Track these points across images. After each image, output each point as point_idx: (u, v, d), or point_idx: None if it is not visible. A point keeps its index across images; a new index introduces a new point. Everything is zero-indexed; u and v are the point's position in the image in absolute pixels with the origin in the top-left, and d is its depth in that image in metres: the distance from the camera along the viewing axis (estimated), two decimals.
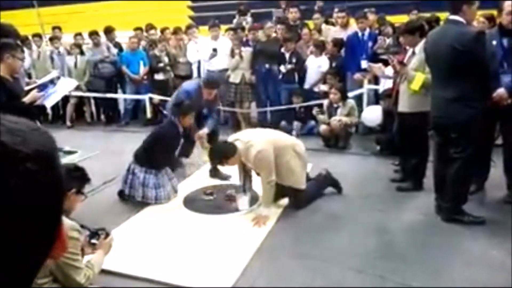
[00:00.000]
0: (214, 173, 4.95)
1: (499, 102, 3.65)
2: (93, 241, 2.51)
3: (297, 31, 7.04)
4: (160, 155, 4.28)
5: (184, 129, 4.45)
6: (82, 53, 7.84)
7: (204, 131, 4.82)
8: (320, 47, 6.51)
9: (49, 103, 4.23)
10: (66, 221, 2.19)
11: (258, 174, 4.04)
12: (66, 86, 4.61)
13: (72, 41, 8.13)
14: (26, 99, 3.79)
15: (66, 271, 2.14)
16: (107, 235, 2.58)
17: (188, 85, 5.12)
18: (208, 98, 4.86)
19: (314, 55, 6.51)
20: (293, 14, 7.28)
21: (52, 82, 4.28)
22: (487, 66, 3.37)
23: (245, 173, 4.19)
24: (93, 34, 7.86)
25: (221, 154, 3.89)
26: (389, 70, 4.66)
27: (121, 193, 4.40)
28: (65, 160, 5.47)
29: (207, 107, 4.99)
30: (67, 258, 2.13)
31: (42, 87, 4.14)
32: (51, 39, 8.38)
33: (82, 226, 2.33)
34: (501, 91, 3.61)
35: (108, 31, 8.03)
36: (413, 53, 4.10)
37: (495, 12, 5.15)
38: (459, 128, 3.45)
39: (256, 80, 6.85)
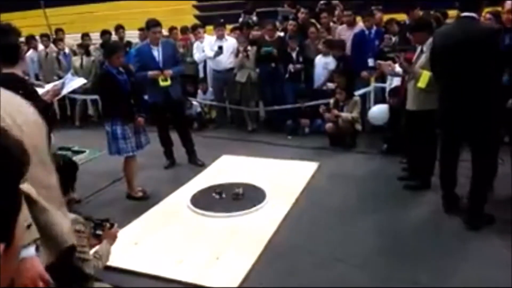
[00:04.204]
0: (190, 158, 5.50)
1: None
2: (98, 232, 2.52)
3: (304, 30, 7.03)
4: (110, 101, 4.36)
5: (127, 73, 4.48)
6: (88, 53, 7.88)
7: (169, 71, 5.16)
8: (330, 45, 6.47)
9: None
10: (69, 215, 2.20)
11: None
12: (74, 83, 4.73)
13: (75, 42, 8.15)
14: (48, 97, 3.83)
15: (75, 263, 2.16)
16: (112, 225, 2.58)
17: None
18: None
19: (323, 54, 6.48)
20: (304, 15, 7.27)
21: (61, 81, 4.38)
22: (499, 62, 3.36)
23: None
24: (105, 33, 7.91)
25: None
26: (398, 68, 4.64)
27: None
28: (74, 159, 5.52)
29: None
30: (76, 251, 2.15)
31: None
32: (54, 41, 8.43)
33: (86, 218, 2.34)
34: None
35: (118, 28, 8.11)
36: (422, 51, 4.08)
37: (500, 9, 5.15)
38: (473, 124, 3.42)
39: (262, 79, 6.85)
